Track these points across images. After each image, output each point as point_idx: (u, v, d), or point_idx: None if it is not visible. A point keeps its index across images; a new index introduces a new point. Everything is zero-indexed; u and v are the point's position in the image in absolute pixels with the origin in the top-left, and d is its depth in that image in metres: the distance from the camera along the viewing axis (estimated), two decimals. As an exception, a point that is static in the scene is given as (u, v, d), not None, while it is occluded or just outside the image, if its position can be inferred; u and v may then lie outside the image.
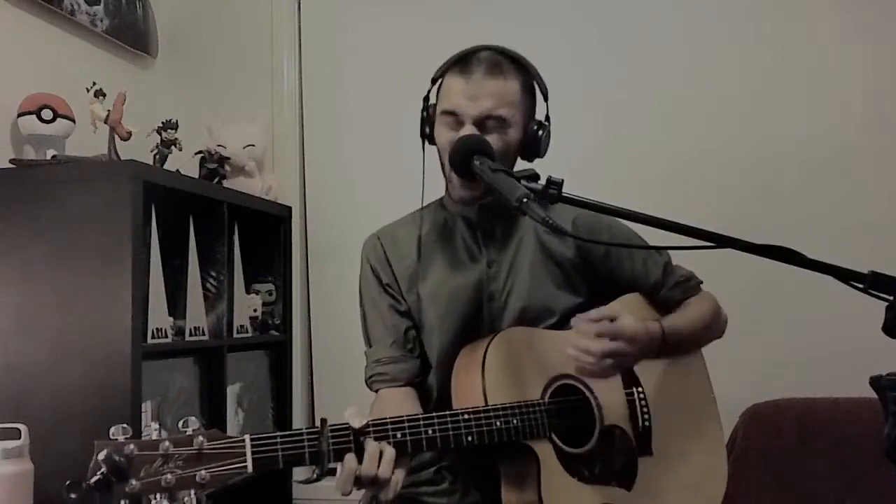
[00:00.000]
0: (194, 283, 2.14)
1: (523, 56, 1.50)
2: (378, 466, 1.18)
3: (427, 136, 1.52)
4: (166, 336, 1.99)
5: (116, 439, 1.03)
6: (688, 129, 2.43)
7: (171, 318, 2.06)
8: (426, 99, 1.53)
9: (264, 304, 2.52)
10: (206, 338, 2.15)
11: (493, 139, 1.42)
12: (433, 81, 1.52)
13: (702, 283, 1.62)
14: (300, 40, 2.77)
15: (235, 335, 2.29)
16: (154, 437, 1.04)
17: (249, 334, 2.37)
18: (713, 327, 1.58)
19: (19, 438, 1.68)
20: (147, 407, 1.92)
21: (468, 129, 1.43)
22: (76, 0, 2.35)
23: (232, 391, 2.29)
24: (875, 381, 0.97)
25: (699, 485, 1.51)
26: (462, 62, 1.47)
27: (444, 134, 1.47)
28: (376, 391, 1.53)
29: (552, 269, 1.53)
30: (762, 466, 2.00)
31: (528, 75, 1.50)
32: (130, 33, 2.60)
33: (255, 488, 2.33)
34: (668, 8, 2.48)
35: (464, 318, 1.51)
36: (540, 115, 1.53)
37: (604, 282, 1.56)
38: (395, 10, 2.67)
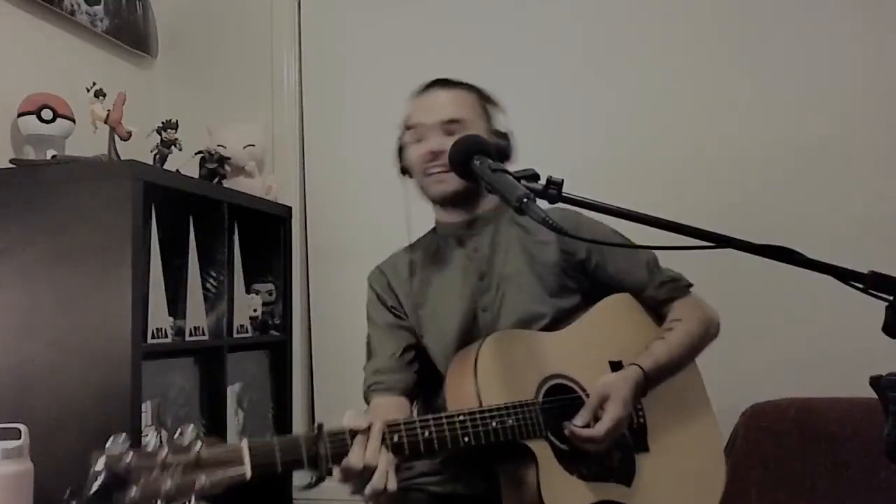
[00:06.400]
0: (194, 283, 2.13)
1: (474, 83, 1.63)
2: (379, 462, 1.19)
3: (406, 171, 1.64)
4: (166, 336, 1.99)
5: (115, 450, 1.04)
6: (688, 129, 2.43)
7: (171, 318, 2.06)
8: (399, 139, 1.65)
9: (264, 304, 2.52)
10: (206, 338, 2.15)
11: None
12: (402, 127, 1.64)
13: (691, 285, 1.62)
14: (300, 40, 2.77)
15: (235, 335, 2.29)
16: (153, 444, 1.06)
17: (249, 334, 2.37)
18: (702, 344, 1.58)
19: (19, 438, 1.68)
20: (147, 407, 1.92)
21: (433, 139, 1.54)
22: (76, 0, 2.35)
23: (232, 391, 2.29)
24: (875, 381, 0.97)
25: (697, 478, 1.52)
26: (417, 91, 1.62)
27: (411, 149, 1.58)
28: (370, 401, 1.57)
29: (541, 276, 1.57)
30: (762, 466, 2.00)
31: (482, 95, 1.62)
32: (130, 33, 2.60)
33: (255, 490, 2.33)
34: (667, 9, 2.48)
35: (462, 332, 1.55)
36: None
37: (591, 283, 1.60)
38: (395, 11, 2.67)
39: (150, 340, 1.92)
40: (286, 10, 2.77)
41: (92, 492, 1.00)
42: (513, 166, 1.40)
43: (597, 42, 2.51)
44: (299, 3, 2.78)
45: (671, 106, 2.44)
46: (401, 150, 1.64)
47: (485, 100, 1.62)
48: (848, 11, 2.36)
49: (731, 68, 2.41)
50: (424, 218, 1.69)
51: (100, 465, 1.01)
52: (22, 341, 1.86)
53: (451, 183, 1.52)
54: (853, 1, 2.36)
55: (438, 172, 1.53)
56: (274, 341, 2.55)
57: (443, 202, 1.60)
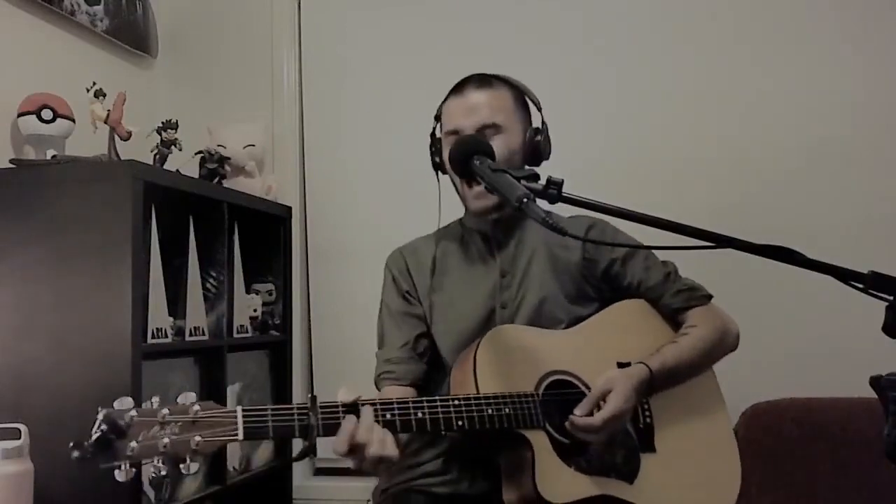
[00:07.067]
0: (194, 283, 2.13)
1: (510, 76, 1.61)
2: (373, 436, 1.21)
3: (439, 167, 1.62)
4: (166, 336, 1.99)
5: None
6: (688, 129, 2.43)
7: (171, 318, 2.05)
8: (433, 135, 1.64)
9: (264, 304, 2.51)
10: (206, 338, 2.15)
11: (495, 145, 1.47)
12: (437, 118, 1.63)
13: (711, 297, 1.62)
14: (300, 40, 2.77)
15: (235, 335, 2.28)
16: (154, 404, 1.11)
17: (249, 334, 2.37)
18: (715, 353, 1.58)
19: (19, 438, 1.68)
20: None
21: None
22: (76, 0, 2.35)
23: (232, 391, 2.29)
24: (875, 381, 0.97)
25: (708, 485, 1.51)
26: (455, 88, 1.60)
27: (448, 152, 1.51)
28: (380, 389, 1.59)
29: (562, 281, 1.58)
30: (762, 466, 2.00)
31: (517, 90, 1.60)
32: (130, 33, 2.60)
33: (254, 488, 2.34)
34: (667, 10, 2.48)
35: (476, 325, 1.56)
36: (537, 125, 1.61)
37: (610, 291, 1.61)
38: (395, 11, 2.67)
39: (150, 340, 1.91)
40: (286, 10, 2.76)
41: (92, 440, 1.04)
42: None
43: (597, 42, 2.51)
44: (299, 3, 2.78)
45: (671, 106, 2.44)
46: (433, 145, 1.63)
47: (522, 95, 1.60)
48: (848, 12, 2.36)
49: (731, 68, 2.41)
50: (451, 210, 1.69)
51: (101, 416, 1.06)
52: (22, 341, 1.86)
53: (492, 197, 1.51)
54: (853, 2, 2.37)
55: (477, 186, 1.51)
56: (274, 341, 2.55)
57: (483, 216, 1.59)
